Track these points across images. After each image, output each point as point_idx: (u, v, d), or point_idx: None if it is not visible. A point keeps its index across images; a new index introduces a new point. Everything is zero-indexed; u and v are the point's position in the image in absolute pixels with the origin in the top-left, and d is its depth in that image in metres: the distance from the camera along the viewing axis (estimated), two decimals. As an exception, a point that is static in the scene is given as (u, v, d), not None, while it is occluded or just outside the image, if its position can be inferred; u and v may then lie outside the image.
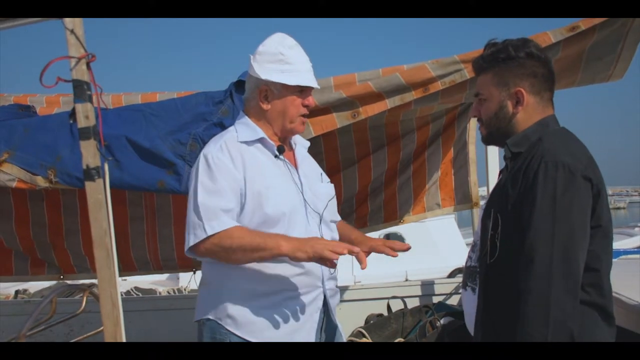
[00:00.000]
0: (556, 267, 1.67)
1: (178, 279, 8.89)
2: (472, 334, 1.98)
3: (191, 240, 2.14)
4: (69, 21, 1.39)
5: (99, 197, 1.41)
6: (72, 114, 1.44)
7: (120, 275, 3.93)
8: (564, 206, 1.70)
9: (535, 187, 1.73)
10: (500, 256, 1.82)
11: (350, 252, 2.05)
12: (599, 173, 1.80)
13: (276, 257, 2.11)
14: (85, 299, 2.27)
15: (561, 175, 1.72)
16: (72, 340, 2.31)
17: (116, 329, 1.42)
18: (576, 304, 1.70)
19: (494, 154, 3.97)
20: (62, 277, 4.06)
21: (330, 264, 2.06)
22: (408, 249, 2.29)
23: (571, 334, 1.67)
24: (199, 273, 4.04)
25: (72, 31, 1.40)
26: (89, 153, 1.42)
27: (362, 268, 2.05)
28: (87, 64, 1.41)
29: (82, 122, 1.41)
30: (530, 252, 1.71)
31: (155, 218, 3.97)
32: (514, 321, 1.71)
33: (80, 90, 1.41)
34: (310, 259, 2.06)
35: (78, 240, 3.91)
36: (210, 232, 2.10)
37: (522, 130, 1.92)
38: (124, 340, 1.46)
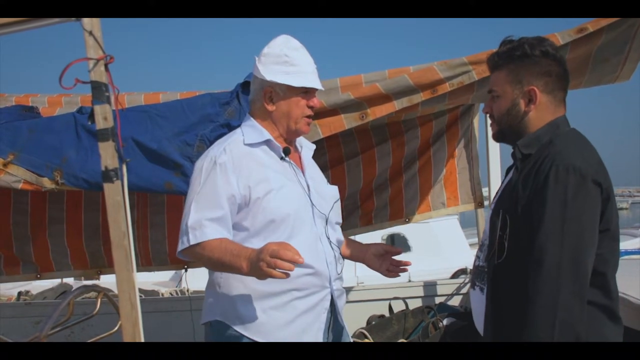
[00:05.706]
0: (565, 271, 1.68)
1: (180, 280, 8.84)
2: (481, 332, 1.99)
3: (179, 246, 2.20)
4: (87, 22, 1.38)
5: (117, 198, 1.41)
6: (91, 115, 1.44)
7: (108, 273, 3.84)
8: (574, 210, 1.71)
9: (546, 191, 1.74)
10: (508, 257, 1.83)
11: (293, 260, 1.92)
12: (609, 177, 1.81)
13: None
14: (99, 300, 2.28)
15: (572, 179, 1.72)
16: (90, 340, 2.32)
17: (135, 331, 1.43)
18: (583, 307, 1.71)
19: (496, 153, 3.97)
20: (38, 275, 3.90)
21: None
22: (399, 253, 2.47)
23: (578, 337, 1.68)
24: (191, 271, 4.02)
25: (90, 32, 1.39)
26: (108, 154, 1.42)
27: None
28: (105, 66, 1.41)
29: (100, 124, 1.41)
30: (539, 255, 1.72)
31: (147, 206, 3.86)
32: (521, 322, 1.72)
33: (99, 92, 1.40)
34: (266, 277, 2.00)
35: (62, 230, 3.78)
36: (192, 242, 2.15)
37: (533, 129, 1.92)
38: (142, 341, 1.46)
